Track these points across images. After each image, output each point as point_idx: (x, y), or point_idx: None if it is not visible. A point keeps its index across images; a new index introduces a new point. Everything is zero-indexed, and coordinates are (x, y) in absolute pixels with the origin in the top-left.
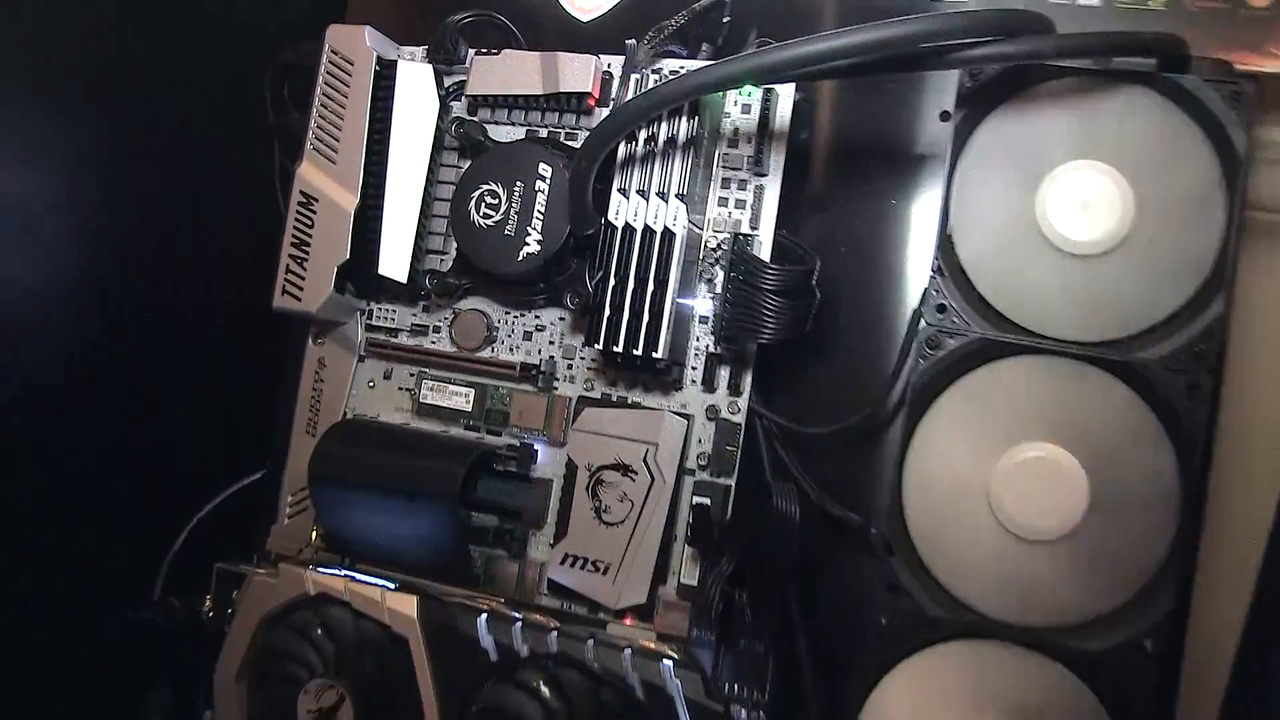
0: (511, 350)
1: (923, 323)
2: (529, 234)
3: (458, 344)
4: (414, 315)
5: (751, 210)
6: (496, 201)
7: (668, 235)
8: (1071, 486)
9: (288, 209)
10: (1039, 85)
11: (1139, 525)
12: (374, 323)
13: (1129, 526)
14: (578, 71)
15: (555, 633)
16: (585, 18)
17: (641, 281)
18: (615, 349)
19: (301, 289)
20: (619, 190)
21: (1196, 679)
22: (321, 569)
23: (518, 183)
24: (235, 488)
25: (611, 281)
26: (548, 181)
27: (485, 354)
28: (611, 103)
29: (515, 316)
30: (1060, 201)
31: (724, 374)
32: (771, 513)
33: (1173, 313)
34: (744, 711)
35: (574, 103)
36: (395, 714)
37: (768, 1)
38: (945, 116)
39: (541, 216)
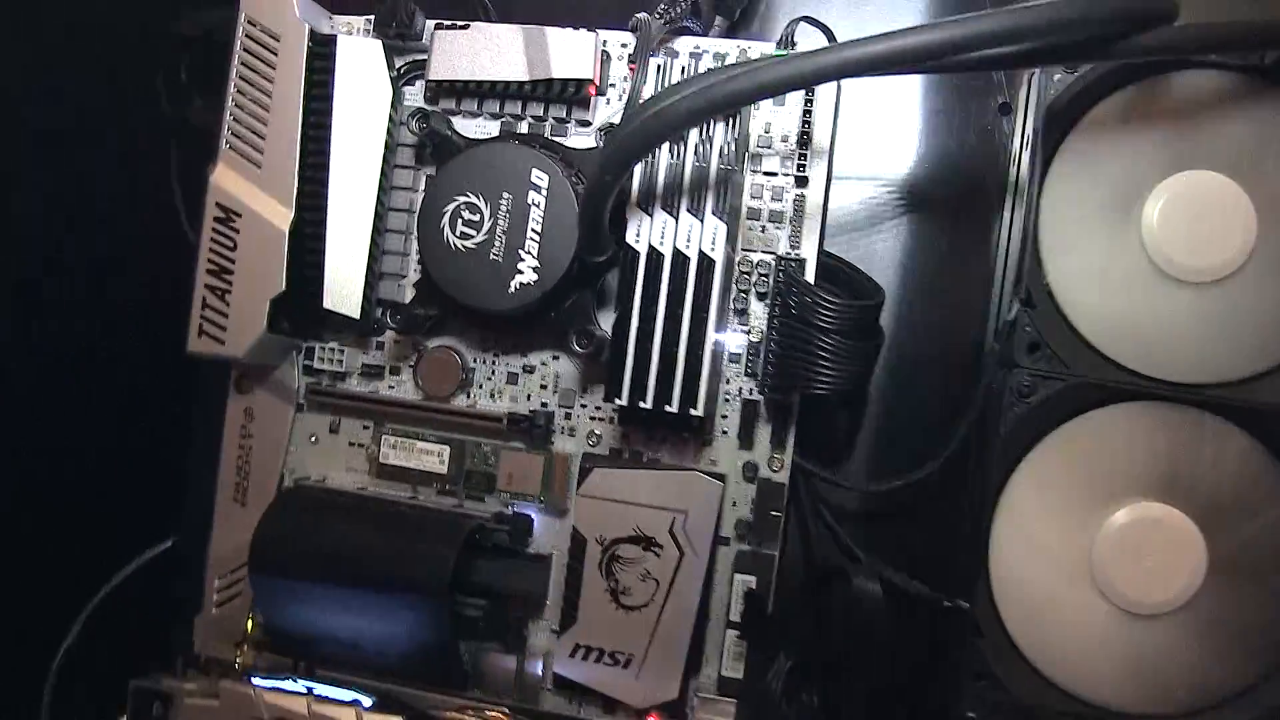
0: (493, 396)
1: (1008, 364)
2: (522, 259)
3: (425, 390)
4: (365, 355)
5: (791, 226)
6: (478, 218)
7: (705, 262)
8: (1186, 551)
9: (199, 226)
10: (1145, 81)
11: (1266, 592)
12: (315, 365)
13: (1255, 594)
14: (574, 52)
15: None
16: None
17: (673, 320)
18: (642, 405)
19: (224, 329)
20: (639, 206)
21: None
22: (272, 679)
23: (504, 194)
24: (136, 564)
25: (635, 322)
26: (543, 193)
27: (461, 402)
28: (613, 89)
29: (495, 356)
30: (1170, 219)
31: (764, 425)
32: (852, 599)
33: None
34: None
35: (568, 91)
36: None
37: None
38: (1005, 109)
39: (537, 237)
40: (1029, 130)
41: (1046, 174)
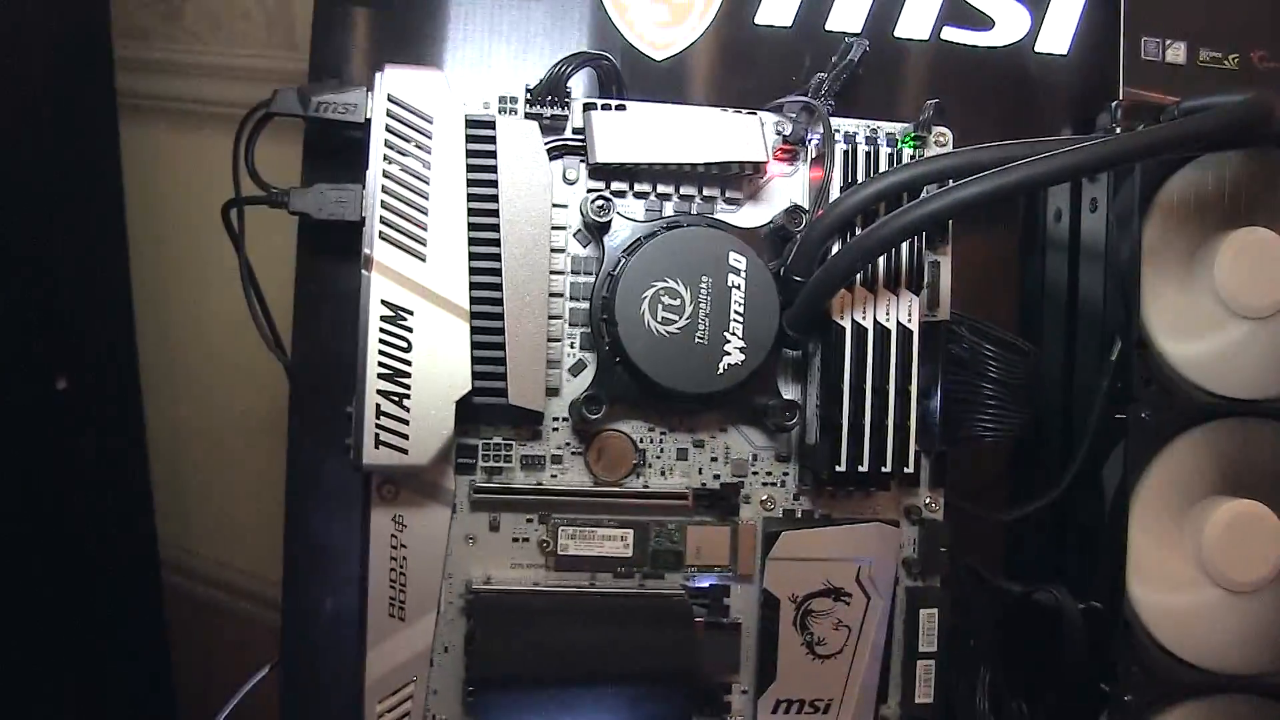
0: (664, 474)
1: (1124, 398)
2: (728, 341)
3: (599, 476)
4: (523, 447)
5: (929, 291)
6: (678, 303)
7: (903, 333)
8: (1271, 536)
9: (365, 325)
10: (1214, 154)
11: None
12: (478, 461)
13: None
14: (744, 134)
15: None
16: (659, 55)
17: (879, 393)
18: (860, 468)
19: (407, 437)
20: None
21: None
22: None
23: (704, 278)
24: (239, 696)
25: (848, 393)
26: (742, 274)
27: (633, 483)
28: (808, 166)
29: (664, 434)
30: (1236, 267)
31: (924, 469)
32: (1062, 618)
33: None
34: None
35: (743, 172)
36: None
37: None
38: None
39: (741, 318)
40: (1112, 196)
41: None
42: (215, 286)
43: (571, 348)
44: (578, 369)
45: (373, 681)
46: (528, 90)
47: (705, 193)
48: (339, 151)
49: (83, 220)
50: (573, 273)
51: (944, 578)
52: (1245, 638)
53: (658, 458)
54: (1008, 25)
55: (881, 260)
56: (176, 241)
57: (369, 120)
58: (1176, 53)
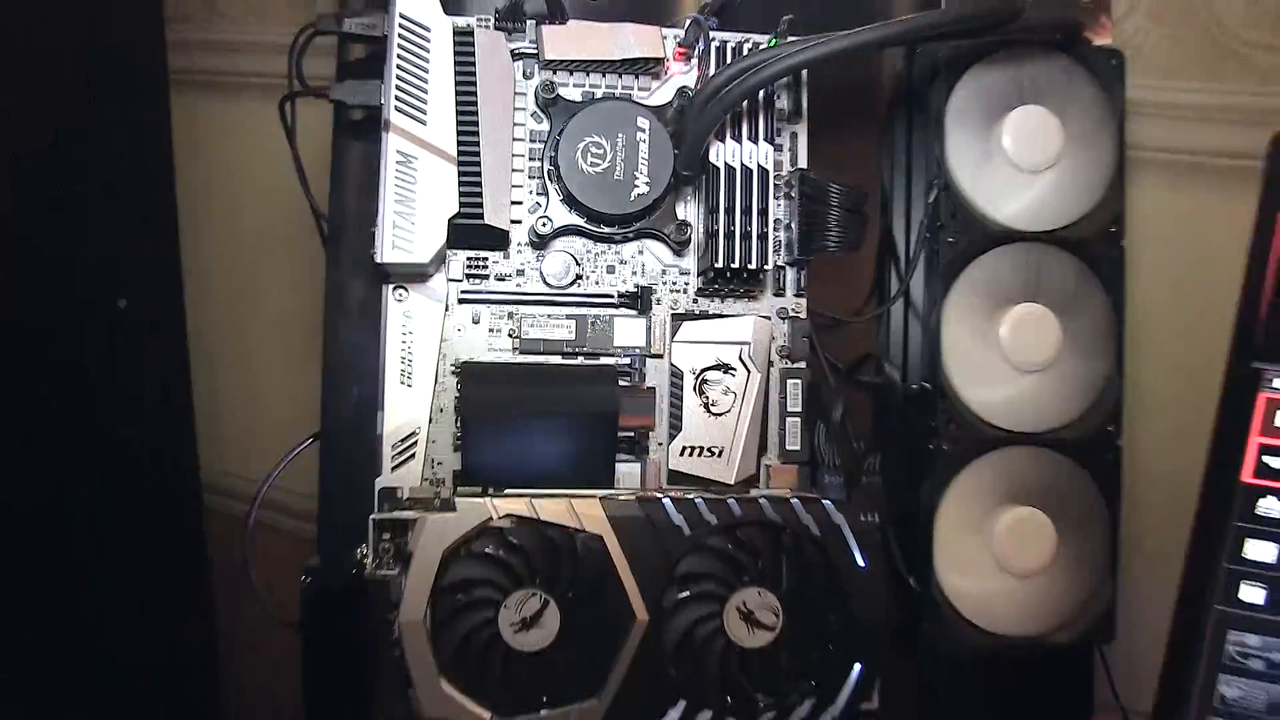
0: (597, 283)
1: (937, 226)
2: (637, 178)
3: (549, 283)
4: (497, 261)
5: (789, 153)
6: (602, 152)
7: (762, 172)
8: (1051, 330)
9: (385, 167)
10: (1003, 50)
11: (1093, 349)
12: (465, 272)
13: (1086, 351)
14: (648, 40)
15: (734, 501)
16: None
17: (746, 211)
18: (732, 266)
19: (412, 242)
20: (714, 136)
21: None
22: (490, 496)
23: (619, 135)
24: (287, 461)
25: (723, 214)
26: (646, 133)
27: (576, 289)
28: (697, 64)
29: (598, 253)
30: (1016, 136)
31: (789, 281)
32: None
33: (1094, 206)
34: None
35: (645, 67)
36: (598, 604)
37: None
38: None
39: (646, 163)
40: (929, 83)
41: (945, 111)
42: (250, 217)
43: (530, 194)
44: (534, 209)
45: (388, 431)
46: (496, 11)
47: (625, 82)
48: (357, 67)
49: (142, 175)
50: (530, 141)
51: (807, 360)
52: (1036, 404)
53: (593, 271)
54: None
55: (747, 124)
56: (219, 188)
57: (385, 34)
58: None
